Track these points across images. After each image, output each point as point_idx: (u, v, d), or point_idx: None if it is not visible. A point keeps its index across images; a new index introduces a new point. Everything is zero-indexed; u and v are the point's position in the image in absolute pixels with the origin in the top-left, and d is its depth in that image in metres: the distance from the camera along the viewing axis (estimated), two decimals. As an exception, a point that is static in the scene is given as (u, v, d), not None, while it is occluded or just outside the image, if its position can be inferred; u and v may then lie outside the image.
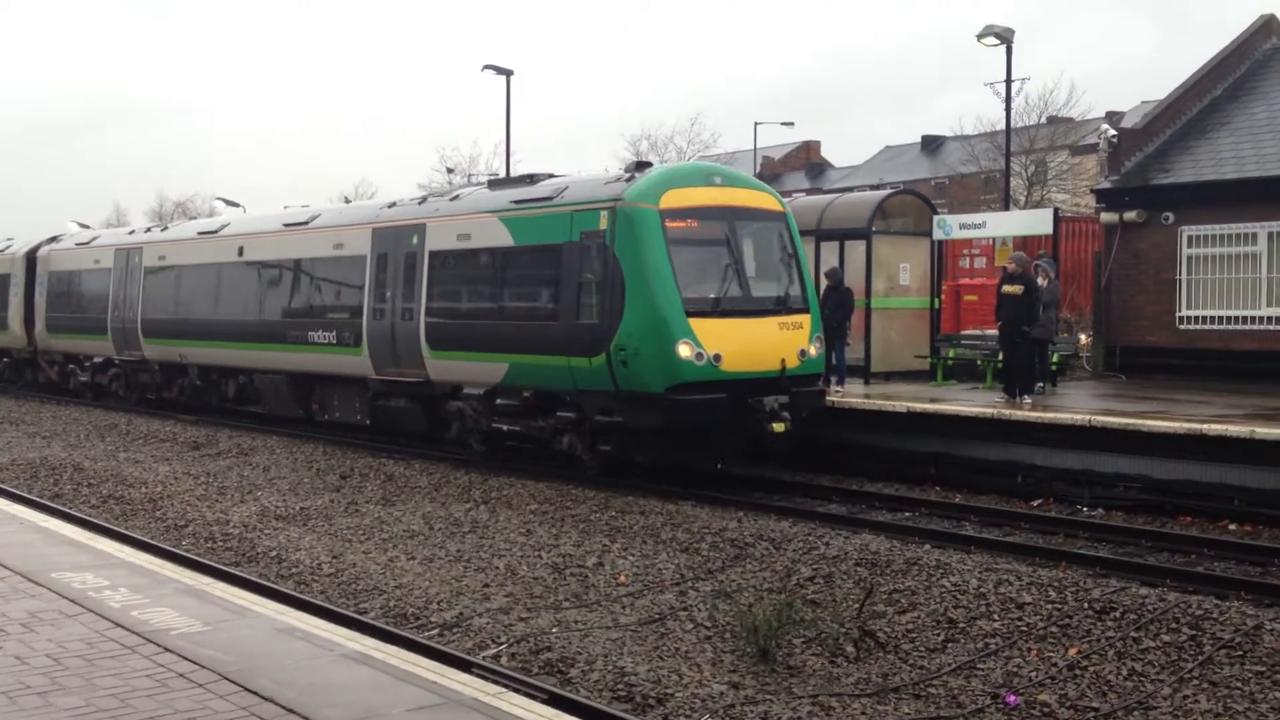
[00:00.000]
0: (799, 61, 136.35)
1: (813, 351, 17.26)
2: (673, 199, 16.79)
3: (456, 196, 20.50)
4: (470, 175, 60.48)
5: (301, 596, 12.05)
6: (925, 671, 9.97)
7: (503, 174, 44.48)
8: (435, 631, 11.24)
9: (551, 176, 19.52)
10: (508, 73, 40.11)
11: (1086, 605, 10.98)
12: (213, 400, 27.06)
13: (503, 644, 10.75)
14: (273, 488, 18.80)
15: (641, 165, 17.71)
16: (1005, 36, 27.73)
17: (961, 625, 10.88)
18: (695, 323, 16.15)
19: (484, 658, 10.28)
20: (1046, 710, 9.05)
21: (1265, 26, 26.54)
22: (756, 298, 17.20)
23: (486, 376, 18.74)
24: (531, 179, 19.45)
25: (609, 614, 11.71)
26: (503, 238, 18.67)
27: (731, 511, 15.55)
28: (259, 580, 12.79)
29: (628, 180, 17.08)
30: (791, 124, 67.22)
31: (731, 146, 74.50)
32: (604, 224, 16.74)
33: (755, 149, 64.83)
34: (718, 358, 16.23)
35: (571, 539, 14.56)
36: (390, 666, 7.54)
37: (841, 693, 9.58)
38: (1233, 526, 14.46)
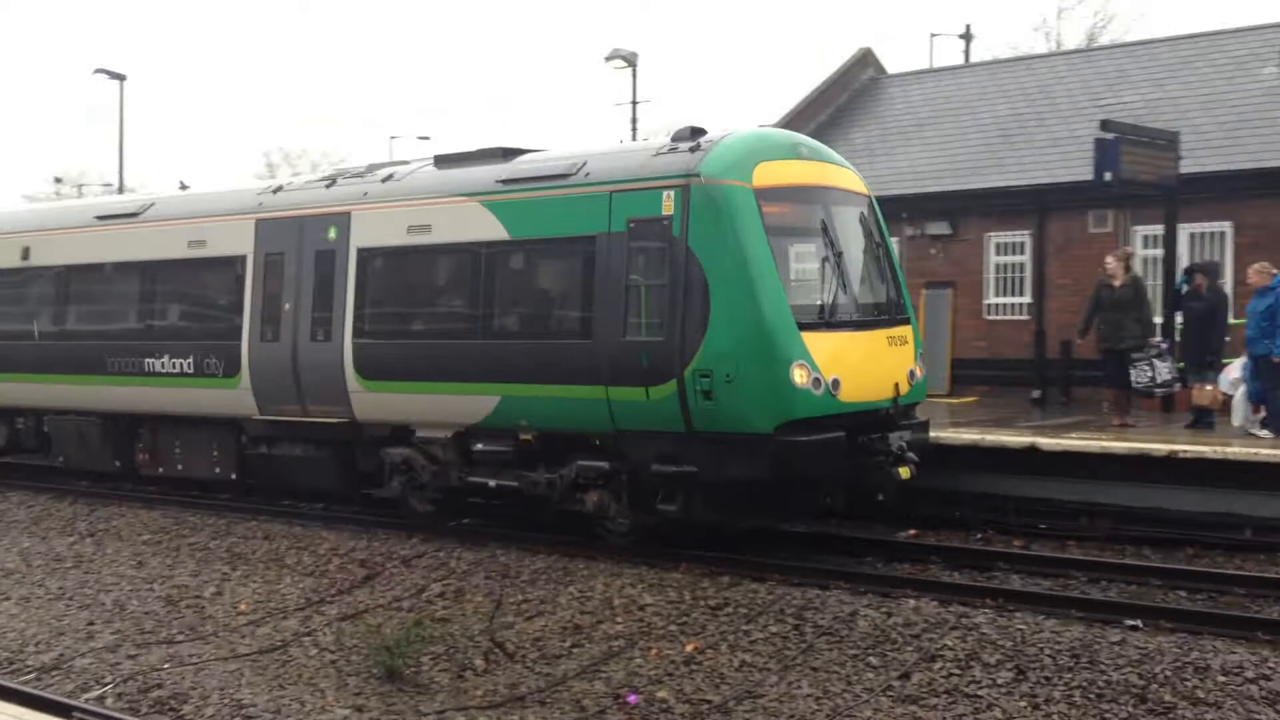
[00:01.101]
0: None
1: (919, 373, 13.45)
2: (767, 174, 12.53)
3: (390, 176, 15.27)
4: (80, 186, 56.44)
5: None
6: (551, 678, 10.11)
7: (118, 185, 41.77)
8: (32, 675, 10.42)
9: (537, 151, 14.87)
10: (120, 78, 38.29)
11: (703, 603, 11.44)
12: None
13: (108, 684, 10.10)
14: None
15: (696, 131, 12.95)
16: (631, 60, 28.70)
17: (587, 630, 11.10)
18: (806, 338, 12.11)
19: (86, 700, 9.63)
20: (664, 706, 9.37)
21: (863, 59, 28.71)
22: (863, 304, 13.20)
23: (458, 415, 13.94)
24: (508, 153, 14.61)
25: (227, 645, 11.22)
26: (489, 229, 13.79)
27: (358, 531, 15.15)
28: None
29: (693, 149, 12.56)
30: (428, 138, 67.04)
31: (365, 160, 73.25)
32: (668, 208, 12.37)
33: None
34: (836, 384, 12.10)
35: (188, 569, 13.86)
36: (-33, 716, 6.89)
37: (469, 705, 9.58)
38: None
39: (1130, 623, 10.21)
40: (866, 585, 11.68)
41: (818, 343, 12.08)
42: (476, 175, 14.30)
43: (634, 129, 32.28)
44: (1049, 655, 9.56)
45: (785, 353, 11.86)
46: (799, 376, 11.86)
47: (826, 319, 12.47)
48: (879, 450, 12.35)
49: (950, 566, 12.66)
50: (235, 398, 15.94)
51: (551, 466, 13.36)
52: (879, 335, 12.96)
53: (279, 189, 16.55)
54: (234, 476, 16.57)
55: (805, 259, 13.09)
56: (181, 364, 16.54)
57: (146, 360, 16.92)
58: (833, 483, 12.75)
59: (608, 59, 30.46)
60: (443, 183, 14.56)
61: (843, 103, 27.39)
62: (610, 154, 13.67)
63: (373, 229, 14.81)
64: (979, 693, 9.10)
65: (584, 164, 13.27)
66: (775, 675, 9.73)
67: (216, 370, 16.13)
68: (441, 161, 15.20)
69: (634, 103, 32.17)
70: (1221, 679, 8.88)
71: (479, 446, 13.95)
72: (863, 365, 12.53)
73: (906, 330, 13.39)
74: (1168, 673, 9.04)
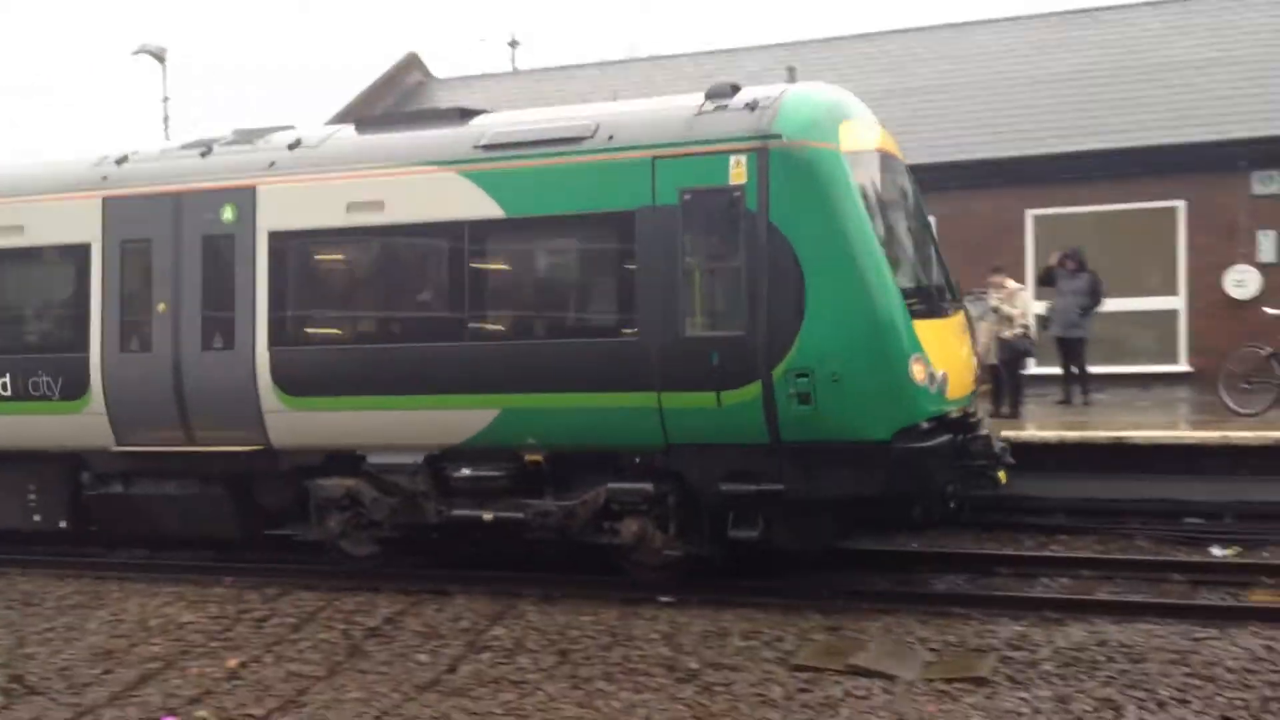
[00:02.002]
0: None
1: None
2: (850, 136, 10.64)
3: (298, 143, 12.25)
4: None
5: None
6: (80, 708, 9.45)
7: None
8: None
9: (483, 112, 12.27)
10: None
11: (247, 616, 11.09)
12: None
13: None
14: None
15: (735, 88, 10.91)
16: (160, 55, 27.28)
17: (120, 654, 10.48)
18: (915, 327, 10.34)
19: None
20: (204, 725, 9.01)
21: (410, 62, 28.77)
22: (939, 288, 11.53)
23: (434, 435, 11.33)
24: (465, 114, 12.02)
25: None
26: (473, 205, 11.14)
27: None
28: None
29: (751, 106, 10.50)
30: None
31: None
32: (738, 175, 10.27)
33: None
34: (945, 380, 10.50)
35: None
36: None
37: (-19, 748, 8.78)
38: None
39: (664, 599, 10.85)
40: (418, 585, 11.72)
41: (924, 332, 10.39)
42: (443, 139, 11.62)
43: (165, 127, 30.70)
44: (589, 637, 10.01)
45: (904, 345, 10.11)
46: (918, 373, 10.18)
47: (925, 305, 10.77)
48: (981, 453, 10.82)
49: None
50: (80, 425, 12.51)
51: (563, 492, 11.11)
52: (954, 322, 11.47)
53: (124, 159, 12.95)
54: (63, 525, 13.12)
55: (893, 235, 11.01)
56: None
57: None
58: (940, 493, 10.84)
59: (135, 53, 28.90)
60: (392, 149, 11.77)
61: (390, 105, 27.34)
62: (633, 113, 11.32)
63: (292, 207, 11.83)
64: (525, 678, 9.38)
65: (597, 125, 11.01)
66: (323, 681, 9.58)
67: (49, 391, 12.64)
68: (368, 125, 12.59)
69: (165, 99, 30.60)
70: (740, 644, 9.64)
71: (464, 472, 11.31)
72: (954, 357, 11.05)
73: (962, 317, 11.92)
74: (694, 642, 9.71)
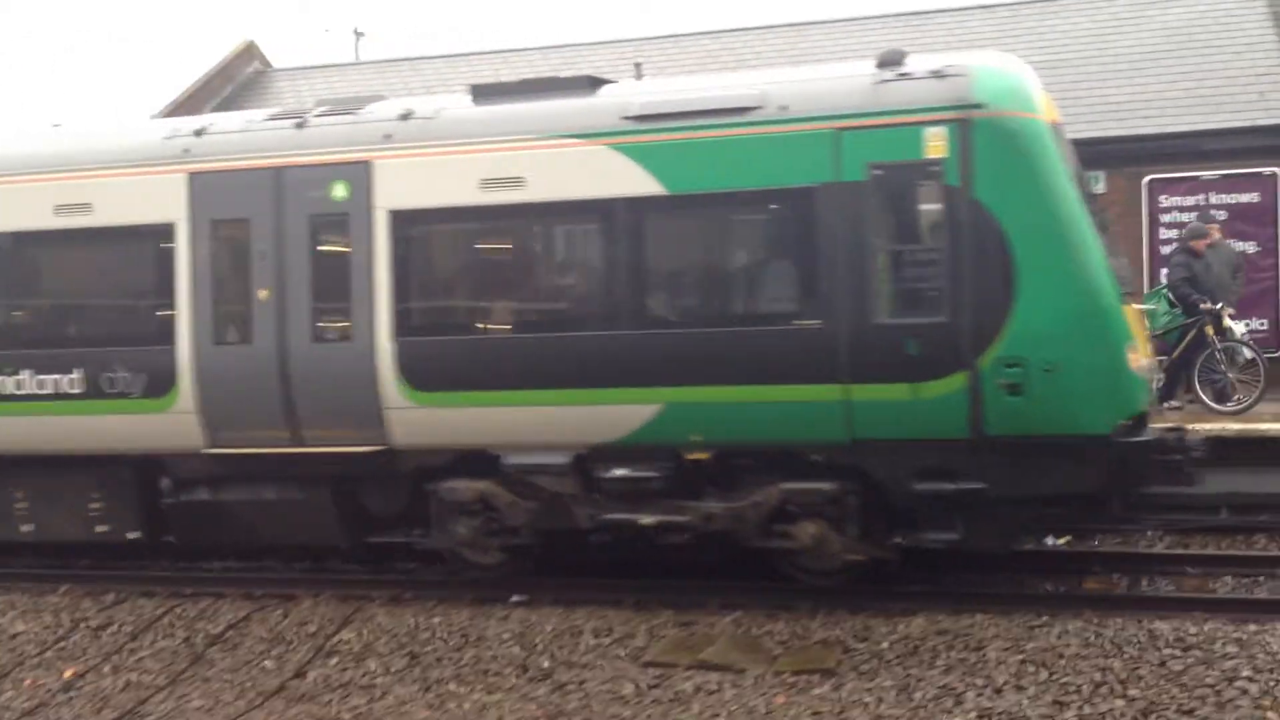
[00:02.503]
0: None
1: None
2: (1049, 105, 10.10)
3: (409, 114, 11.07)
4: None
5: None
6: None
7: None
8: None
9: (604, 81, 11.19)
10: None
11: (84, 625, 10.74)
12: None
13: None
14: None
15: (902, 54, 10.20)
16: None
17: (-56, 669, 10.05)
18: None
19: None
20: (38, 739, 8.71)
21: (247, 51, 28.03)
22: (1120, 270, 10.52)
23: (586, 432, 10.39)
24: (594, 83, 11.04)
25: None
26: (631, 181, 10.26)
27: None
28: None
29: (940, 76, 9.75)
30: None
31: None
32: (935, 149, 9.59)
33: None
34: (1148, 370, 10.29)
35: None
36: None
37: None
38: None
39: (516, 598, 10.80)
40: (264, 589, 11.45)
41: (1131, 318, 9.91)
42: (587, 109, 10.64)
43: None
44: (440, 639, 9.94)
45: (1122, 331, 9.55)
46: (1134, 361, 9.63)
47: (1126, 289, 10.07)
48: (1179, 447, 10.04)
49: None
50: (164, 426, 11.18)
51: (724, 493, 10.30)
52: (1134, 309, 10.64)
53: (201, 130, 11.58)
54: (137, 535, 11.68)
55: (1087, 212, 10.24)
56: (58, 382, 11.44)
57: None
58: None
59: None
60: (526, 120, 10.66)
61: (228, 95, 26.64)
62: (804, 81, 10.50)
63: (414, 184, 10.77)
64: (375, 682, 9.28)
65: (764, 95, 10.16)
66: (164, 691, 9.36)
67: (128, 389, 11.26)
68: (486, 95, 11.23)
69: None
70: (592, 641, 9.71)
71: (617, 472, 10.32)
72: (1145, 345, 10.49)
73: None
74: (546, 641, 9.74)
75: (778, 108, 10.03)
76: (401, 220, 10.70)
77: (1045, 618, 9.40)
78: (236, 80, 27.19)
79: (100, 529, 11.76)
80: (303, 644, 10.02)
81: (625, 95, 10.69)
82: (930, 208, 9.70)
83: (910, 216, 9.83)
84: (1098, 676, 8.30)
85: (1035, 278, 9.36)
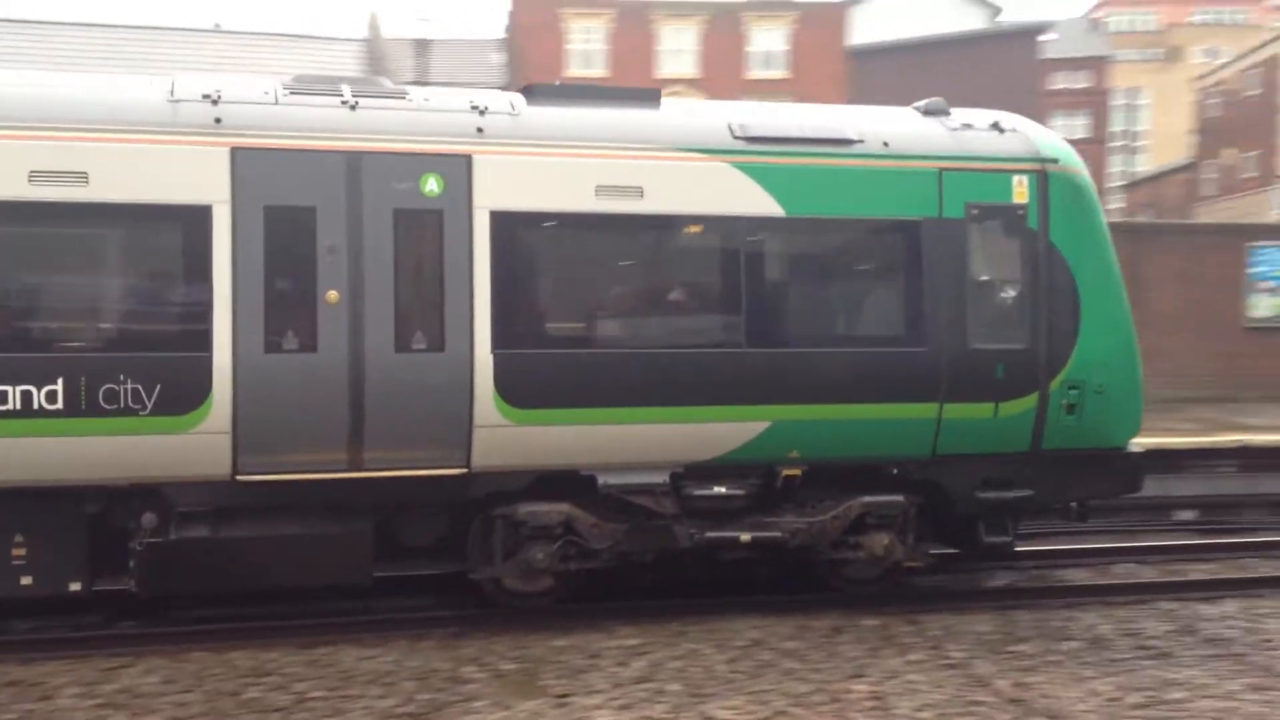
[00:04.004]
0: None
1: None
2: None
3: (485, 108, 10.25)
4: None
5: None
6: None
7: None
8: None
9: (669, 99, 11.32)
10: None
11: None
12: None
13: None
14: None
15: (943, 105, 11.64)
16: None
17: None
18: None
19: None
20: None
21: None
22: None
23: (686, 450, 10.34)
24: (654, 96, 11.04)
25: None
26: (751, 201, 10.40)
27: None
28: None
29: (999, 130, 11.33)
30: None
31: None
32: (1020, 195, 10.94)
33: None
34: None
35: None
36: None
37: None
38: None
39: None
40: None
41: None
42: (705, 125, 10.63)
43: None
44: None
45: (1139, 360, 11.52)
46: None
47: None
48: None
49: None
50: (183, 449, 9.37)
51: (801, 507, 10.85)
52: None
53: (238, 98, 9.80)
54: (74, 588, 9.70)
55: None
56: (29, 395, 9.09)
57: None
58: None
59: None
60: (646, 130, 10.44)
61: None
62: (889, 119, 11.29)
63: (520, 185, 10.04)
64: None
65: (859, 129, 10.90)
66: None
67: (136, 403, 9.24)
68: (540, 95, 10.74)
69: None
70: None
71: (714, 490, 10.47)
72: None
73: None
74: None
75: (880, 144, 10.85)
76: (505, 223, 10.01)
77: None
78: None
79: (25, 580, 9.57)
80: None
81: (740, 115, 10.93)
82: (1016, 246, 11.03)
83: (1001, 253, 11.02)
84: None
85: (1093, 311, 11.11)
